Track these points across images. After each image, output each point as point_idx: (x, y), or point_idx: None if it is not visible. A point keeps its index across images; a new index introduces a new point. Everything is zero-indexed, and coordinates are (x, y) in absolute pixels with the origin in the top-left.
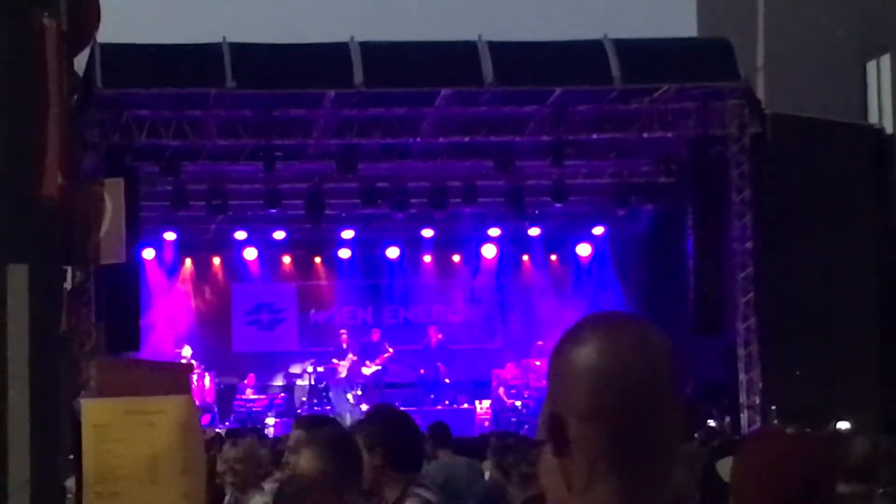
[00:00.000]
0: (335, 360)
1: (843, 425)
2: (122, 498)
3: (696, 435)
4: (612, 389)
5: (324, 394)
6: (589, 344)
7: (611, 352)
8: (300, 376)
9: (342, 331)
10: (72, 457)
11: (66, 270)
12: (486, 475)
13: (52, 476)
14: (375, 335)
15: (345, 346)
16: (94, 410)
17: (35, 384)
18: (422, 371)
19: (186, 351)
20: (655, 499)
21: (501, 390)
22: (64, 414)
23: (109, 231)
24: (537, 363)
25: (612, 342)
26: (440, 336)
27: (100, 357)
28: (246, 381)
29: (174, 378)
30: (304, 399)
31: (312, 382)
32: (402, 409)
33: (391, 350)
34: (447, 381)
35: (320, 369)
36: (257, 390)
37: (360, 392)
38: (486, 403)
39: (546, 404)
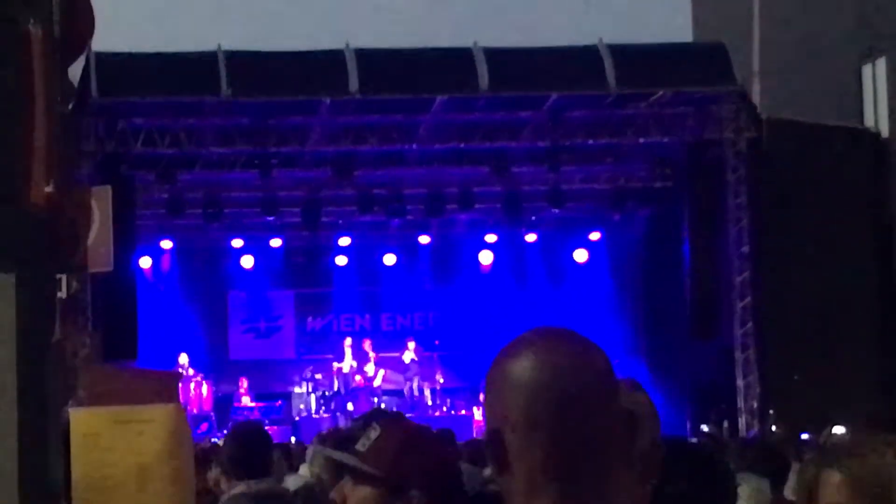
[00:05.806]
0: (336, 365)
1: (839, 430)
2: None
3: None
4: (547, 402)
5: (321, 401)
6: (524, 358)
7: (545, 365)
8: (298, 384)
9: (347, 339)
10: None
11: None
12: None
13: (43, 487)
14: (365, 344)
15: (348, 351)
16: (82, 420)
17: (23, 393)
18: (418, 378)
19: (183, 359)
20: None
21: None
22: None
23: (97, 239)
24: None
25: (547, 355)
26: (437, 342)
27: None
28: (243, 390)
29: (163, 386)
30: (301, 406)
31: (310, 390)
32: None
33: (373, 356)
34: (441, 386)
35: (318, 377)
36: (255, 398)
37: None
38: None
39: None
